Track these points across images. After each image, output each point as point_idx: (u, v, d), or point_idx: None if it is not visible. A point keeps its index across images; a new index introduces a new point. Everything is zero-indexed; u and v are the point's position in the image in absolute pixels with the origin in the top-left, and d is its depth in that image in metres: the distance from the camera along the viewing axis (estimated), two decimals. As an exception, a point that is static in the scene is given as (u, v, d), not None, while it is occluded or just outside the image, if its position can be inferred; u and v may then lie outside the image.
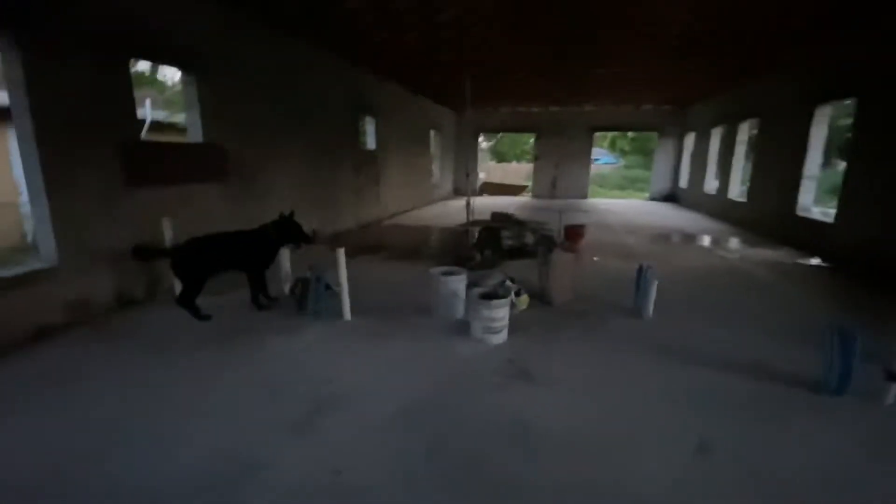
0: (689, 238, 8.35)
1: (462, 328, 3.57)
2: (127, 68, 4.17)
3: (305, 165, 7.19)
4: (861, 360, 2.59)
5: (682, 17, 5.61)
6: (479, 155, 21.36)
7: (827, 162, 10.40)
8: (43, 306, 3.57)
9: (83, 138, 3.78)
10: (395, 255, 6.51)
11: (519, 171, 23.14)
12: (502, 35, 6.44)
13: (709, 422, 2.40)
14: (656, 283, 3.87)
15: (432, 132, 14.04)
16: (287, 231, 4.08)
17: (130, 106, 4.21)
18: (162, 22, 4.49)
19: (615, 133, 24.38)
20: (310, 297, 3.90)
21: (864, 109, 6.09)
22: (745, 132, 10.08)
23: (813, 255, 6.67)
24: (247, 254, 4.01)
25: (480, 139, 19.26)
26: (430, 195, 13.89)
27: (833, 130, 7.87)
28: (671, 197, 15.30)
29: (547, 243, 5.74)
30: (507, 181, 19.18)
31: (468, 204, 7.68)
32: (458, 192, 16.24)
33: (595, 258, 6.36)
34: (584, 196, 16.10)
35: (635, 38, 6.52)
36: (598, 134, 17.30)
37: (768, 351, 3.27)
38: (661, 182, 15.66)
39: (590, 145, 15.99)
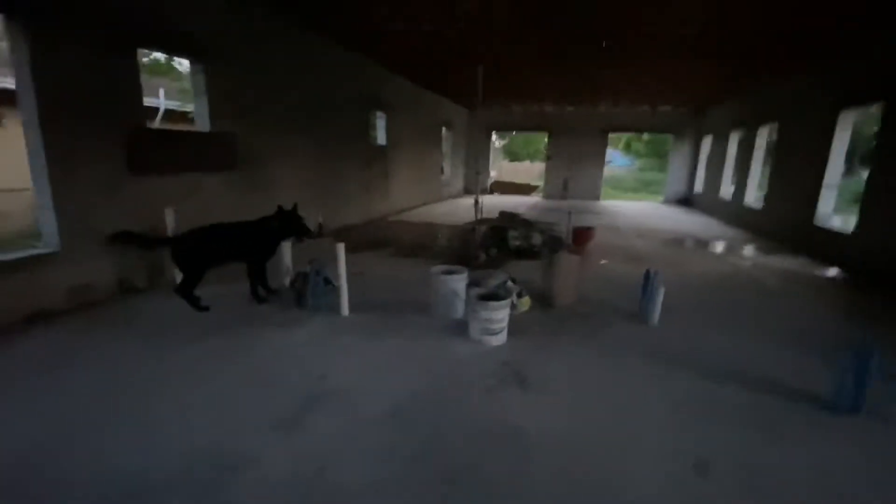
0: (702, 244, 8.15)
1: (461, 328, 3.49)
2: (135, 56, 4.17)
3: (313, 158, 7.17)
4: (877, 377, 2.45)
5: (701, 17, 5.45)
6: (492, 153, 21.25)
7: (849, 170, 10.11)
8: (44, 291, 3.59)
9: (88, 125, 3.79)
10: (399, 251, 6.45)
11: (531, 171, 22.98)
12: (517, 30, 6.32)
13: (709, 436, 2.29)
14: (663, 289, 3.75)
15: (444, 129, 13.96)
16: (288, 224, 4.04)
17: (137, 94, 4.20)
18: (172, 10, 4.48)
19: (630, 134, 24.05)
20: (308, 291, 3.87)
21: (891, 114, 5.85)
22: (763, 137, 9.82)
23: (831, 265, 6.46)
24: (247, 245, 3.99)
25: (493, 137, 19.12)
26: (439, 192, 13.82)
27: (856, 136, 7.60)
28: (686, 201, 15.01)
29: (554, 244, 5.64)
30: (519, 180, 19.03)
31: (476, 202, 7.61)
32: (468, 190, 16.15)
33: (603, 261, 6.24)
34: (597, 198, 15.88)
35: (652, 38, 6.36)
36: (612, 135, 17.04)
37: (779, 364, 3.13)
38: (675, 185, 15.38)
39: (604, 146, 15.75)
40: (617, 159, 28.19)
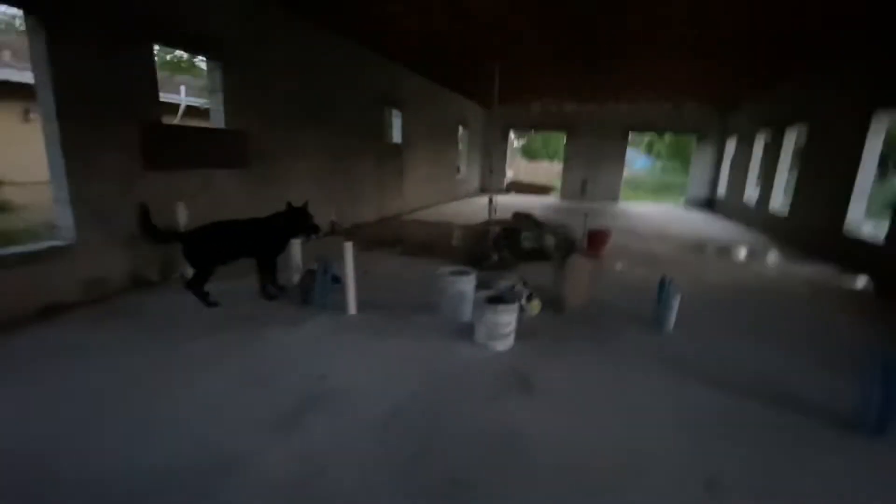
0: (724, 249, 7.89)
1: (467, 331, 3.42)
2: (151, 52, 4.21)
3: (327, 156, 7.19)
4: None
5: (730, 13, 5.24)
6: (510, 153, 21.06)
7: (882, 175, 9.67)
8: (59, 283, 3.66)
9: (104, 120, 3.85)
10: (411, 250, 6.41)
11: (550, 171, 22.70)
12: (534, 24, 6.20)
13: (723, 454, 2.17)
14: (679, 295, 3.61)
15: (460, 127, 13.88)
16: (297, 221, 4.03)
17: (153, 89, 4.25)
18: (188, 7, 4.52)
19: (652, 135, 23.53)
20: (316, 289, 3.85)
21: (929, 118, 5.54)
22: (791, 139, 9.44)
23: (860, 275, 6.16)
24: (257, 242, 4.00)
25: (511, 137, 18.94)
26: (454, 191, 13.75)
27: (891, 140, 7.23)
28: (708, 204, 14.61)
29: (567, 247, 5.53)
30: (537, 180, 18.83)
31: (490, 202, 7.52)
32: (484, 189, 16.04)
33: (619, 265, 6.08)
34: (616, 199, 15.58)
35: (677, 33, 6.16)
36: (633, 135, 16.69)
37: (800, 378, 2.98)
38: (697, 188, 14.97)
39: (624, 147, 15.42)
40: (638, 160, 27.67)
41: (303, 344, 3.21)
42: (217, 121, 5.12)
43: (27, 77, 6.57)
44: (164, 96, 9.34)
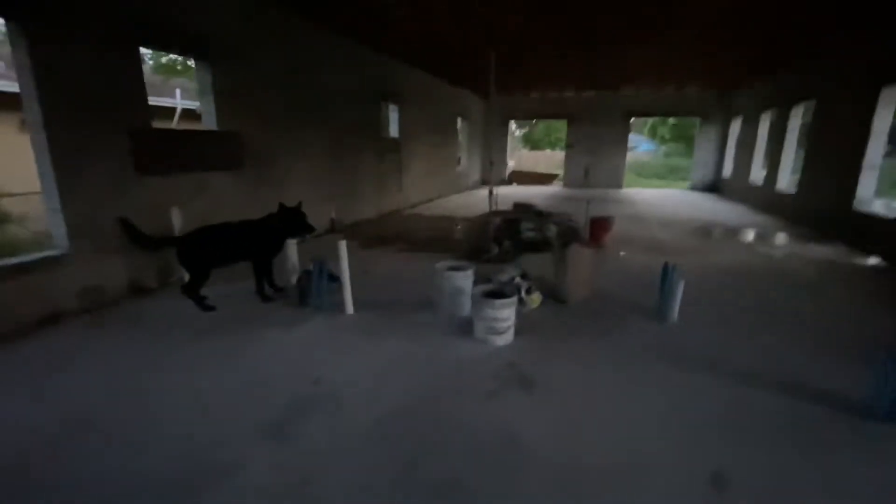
0: (730, 232, 7.74)
1: (466, 327, 3.36)
2: (137, 54, 4.15)
3: (325, 153, 7.12)
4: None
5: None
6: (512, 143, 20.87)
7: (892, 150, 9.44)
8: (56, 293, 3.64)
9: (93, 126, 3.79)
10: (411, 245, 6.35)
11: (552, 159, 22.48)
12: (530, 10, 6.05)
13: (729, 448, 2.10)
14: (683, 283, 3.52)
15: (459, 120, 13.73)
16: (290, 221, 3.98)
17: (141, 93, 4.19)
18: (173, 7, 4.44)
19: (655, 119, 23.19)
20: (312, 289, 3.81)
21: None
22: (797, 117, 9.22)
23: (871, 253, 6.01)
24: (252, 244, 3.95)
25: (513, 127, 18.74)
26: (455, 184, 13.64)
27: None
28: (713, 187, 14.38)
29: (570, 236, 5.43)
30: (540, 170, 18.64)
31: (491, 193, 7.42)
32: (486, 181, 15.90)
33: (622, 253, 5.98)
34: (620, 186, 15.39)
35: (677, 13, 5.98)
36: (636, 120, 16.44)
37: (810, 365, 2.89)
38: (702, 171, 14.73)
39: (626, 132, 15.19)
40: (641, 145, 27.33)
41: (298, 346, 3.17)
42: (209, 122, 5.07)
43: (20, 87, 6.56)
44: (161, 100, 9.35)
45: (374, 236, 6.99)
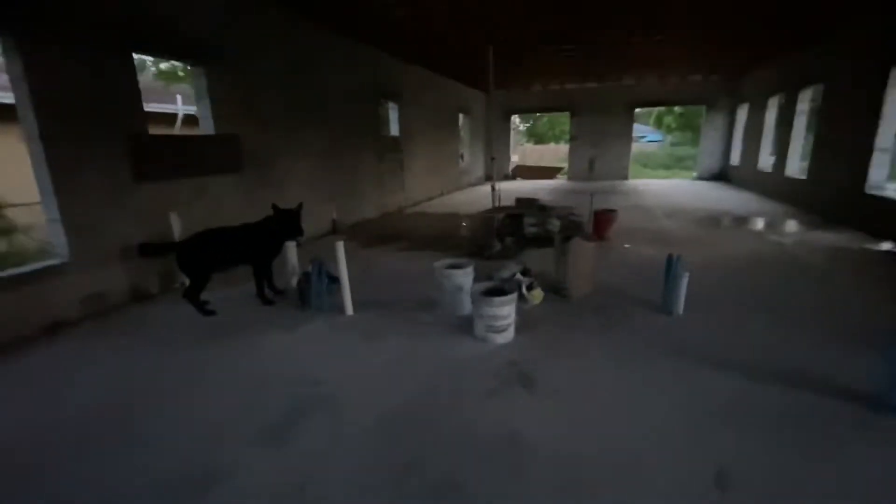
0: (738, 221, 7.60)
1: (466, 326, 3.32)
2: (131, 61, 4.14)
3: (325, 154, 7.09)
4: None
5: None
6: (515, 137, 20.72)
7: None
8: (58, 301, 3.66)
9: (89, 135, 3.80)
10: (413, 244, 6.31)
11: (557, 153, 22.28)
12: (529, 8, 5.97)
13: (735, 444, 2.04)
14: (687, 275, 3.44)
15: (461, 115, 13.65)
16: (284, 223, 3.95)
17: (137, 99, 4.19)
18: (166, 14, 4.43)
19: (661, 108, 22.86)
20: (311, 290, 3.79)
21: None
22: (806, 100, 9.01)
23: (884, 238, 5.86)
24: (250, 247, 3.94)
25: (517, 121, 18.59)
26: (458, 181, 13.57)
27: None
28: (721, 175, 14.16)
29: (573, 230, 5.35)
30: (544, 163, 18.48)
31: (493, 189, 7.36)
32: (489, 176, 15.81)
33: (626, 245, 5.89)
34: (625, 177, 15.22)
35: (680, 3, 5.86)
36: (641, 110, 16.21)
37: (820, 357, 2.80)
38: (709, 160, 14.51)
39: (630, 123, 15.01)
40: (647, 136, 27.00)
41: (298, 348, 3.15)
42: (206, 127, 5.06)
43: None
44: (162, 106, 9.39)
45: (375, 236, 6.96)
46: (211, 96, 4.97)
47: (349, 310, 3.70)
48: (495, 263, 4.55)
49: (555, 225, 5.92)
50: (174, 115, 10.07)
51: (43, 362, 3.05)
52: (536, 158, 20.79)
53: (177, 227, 4.31)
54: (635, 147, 15.84)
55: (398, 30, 6.96)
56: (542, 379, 2.64)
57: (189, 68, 5.04)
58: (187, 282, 3.93)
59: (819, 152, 8.20)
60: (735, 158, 13.35)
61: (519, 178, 16.44)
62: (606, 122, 14.81)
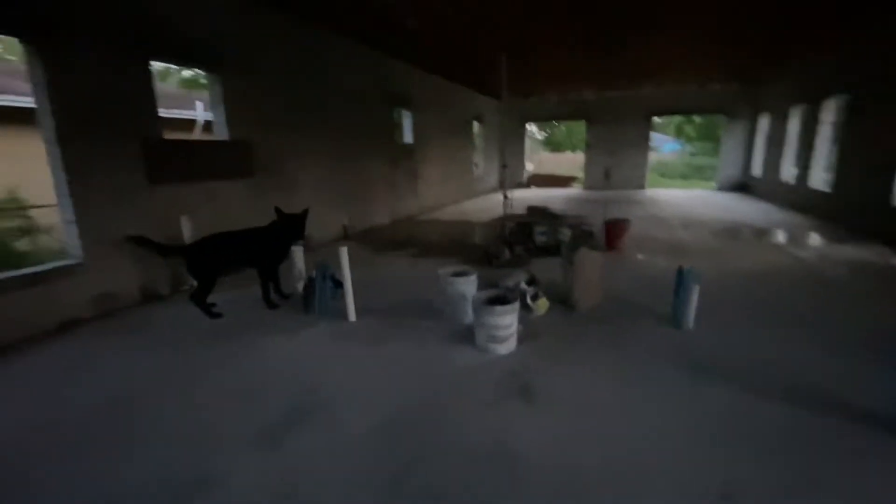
0: (758, 233, 7.37)
1: (469, 334, 3.27)
2: (148, 68, 4.26)
3: (337, 160, 7.15)
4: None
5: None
6: (532, 145, 20.64)
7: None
8: (71, 301, 3.74)
9: (106, 139, 3.91)
10: (423, 251, 6.29)
11: (574, 161, 22.10)
12: (544, 14, 5.94)
13: (742, 465, 1.93)
14: (697, 288, 3.33)
15: (475, 123, 13.65)
16: (288, 227, 3.97)
17: (152, 105, 4.30)
18: (182, 21, 4.55)
19: (680, 118, 22.53)
20: (316, 296, 3.79)
21: None
22: (831, 110, 8.74)
23: (913, 253, 5.60)
24: (257, 251, 3.98)
25: (534, 129, 18.52)
26: (472, 188, 13.55)
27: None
28: (741, 186, 13.79)
29: (584, 239, 5.25)
30: (560, 172, 18.34)
31: (504, 198, 7.31)
32: (501, 184, 15.74)
33: (640, 256, 5.76)
34: (642, 186, 14.97)
35: (697, 6, 5.75)
36: (660, 119, 15.98)
37: (837, 375, 2.66)
38: (729, 170, 14.16)
39: (647, 132, 14.79)
40: (666, 144, 26.59)
41: (299, 353, 3.14)
42: (221, 132, 5.16)
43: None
44: (182, 112, 9.63)
45: (386, 242, 6.97)
46: (225, 103, 5.07)
47: (352, 315, 3.68)
48: (503, 272, 4.49)
49: (565, 234, 5.82)
50: (191, 121, 10.32)
51: (48, 361, 3.11)
52: (553, 167, 20.65)
53: (187, 231, 4.38)
54: (653, 156, 15.57)
55: (412, 38, 7.01)
56: (543, 392, 2.57)
57: (205, 75, 5.15)
58: (195, 284, 3.97)
59: (845, 163, 7.93)
60: (756, 169, 13.02)
61: (533, 187, 16.33)
62: (623, 131, 14.63)
